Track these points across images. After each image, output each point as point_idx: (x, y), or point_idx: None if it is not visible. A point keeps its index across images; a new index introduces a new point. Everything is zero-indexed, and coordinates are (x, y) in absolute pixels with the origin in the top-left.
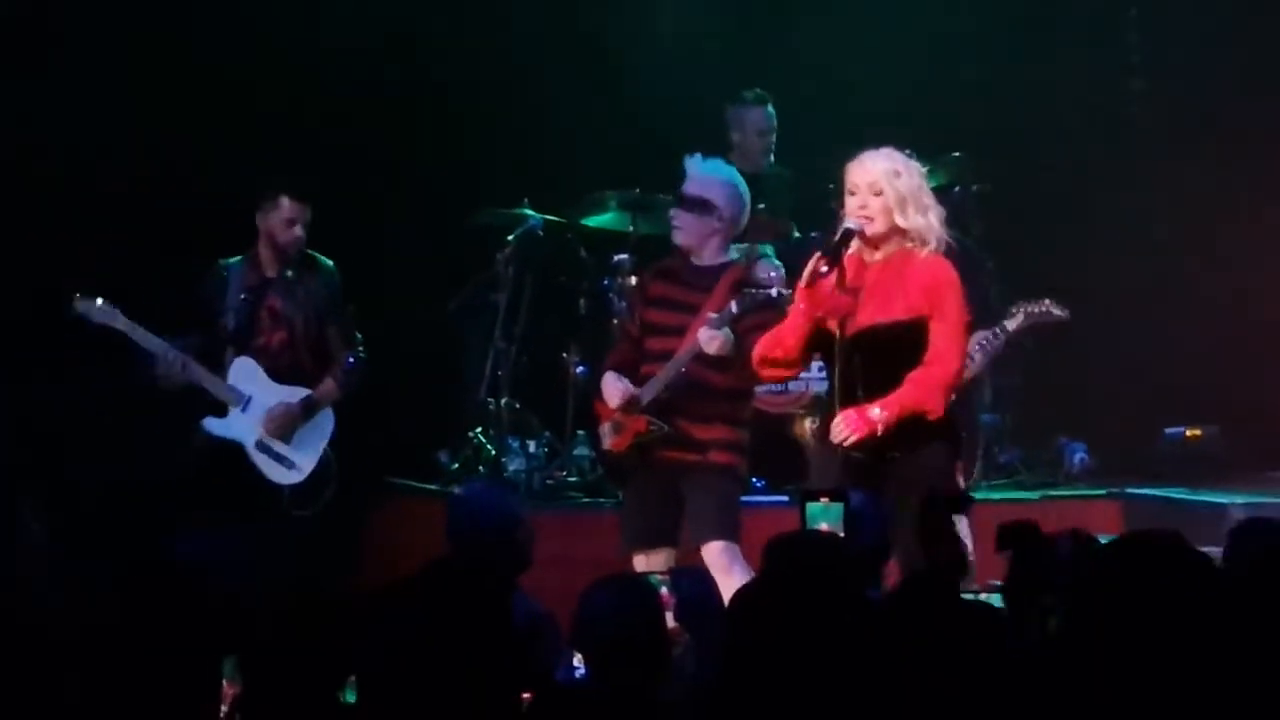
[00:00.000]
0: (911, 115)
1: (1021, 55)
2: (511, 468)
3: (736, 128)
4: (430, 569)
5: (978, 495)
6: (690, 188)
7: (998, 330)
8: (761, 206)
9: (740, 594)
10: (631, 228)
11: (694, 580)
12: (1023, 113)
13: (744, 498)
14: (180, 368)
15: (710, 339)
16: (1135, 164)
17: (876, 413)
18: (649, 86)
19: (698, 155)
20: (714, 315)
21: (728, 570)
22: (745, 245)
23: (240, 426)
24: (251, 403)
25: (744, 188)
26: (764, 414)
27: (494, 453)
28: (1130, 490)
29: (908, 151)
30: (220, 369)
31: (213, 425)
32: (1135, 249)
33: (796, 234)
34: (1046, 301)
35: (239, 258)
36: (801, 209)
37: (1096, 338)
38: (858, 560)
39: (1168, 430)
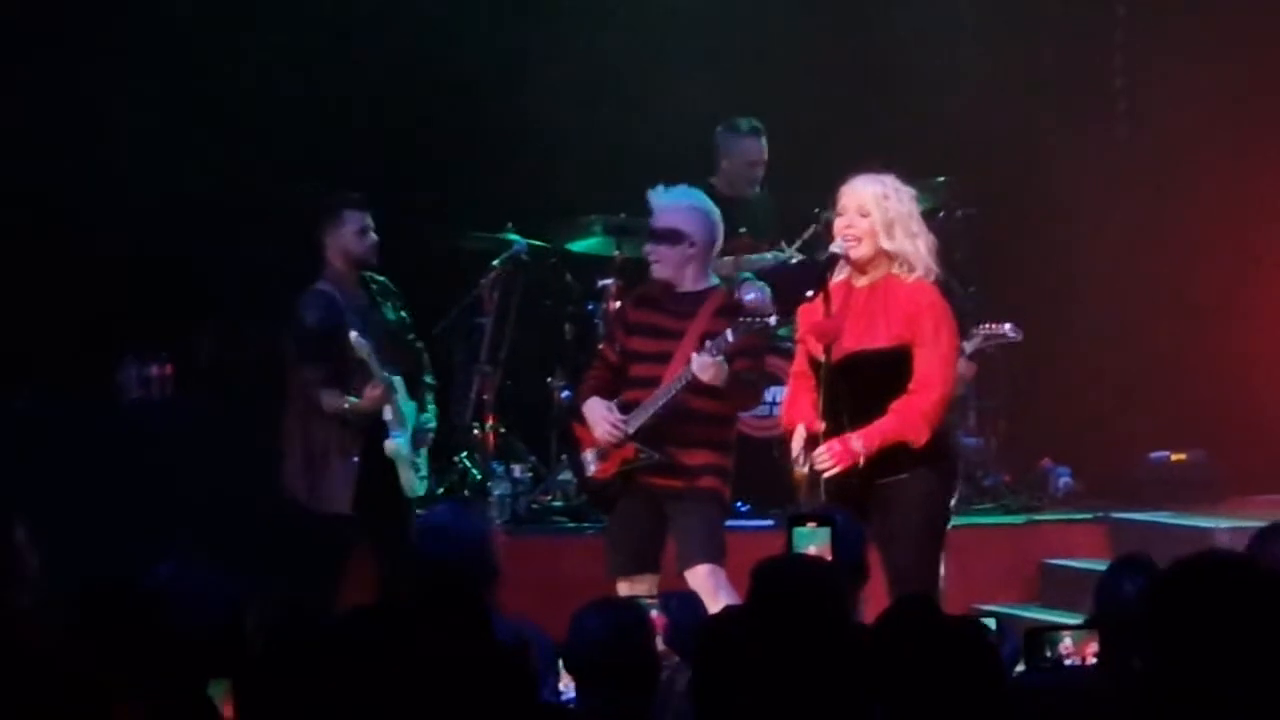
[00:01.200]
0: (898, 140)
1: (1006, 82)
2: (496, 492)
3: (726, 154)
4: (412, 590)
5: (961, 520)
6: (660, 221)
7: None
8: (744, 230)
9: (722, 619)
10: (617, 252)
11: (684, 604)
12: (1009, 138)
13: (729, 522)
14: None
15: (704, 367)
16: (1120, 188)
17: (858, 443)
18: (635, 110)
19: (659, 187)
20: (709, 343)
21: (714, 594)
22: (728, 260)
23: (405, 443)
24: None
25: (712, 209)
26: (748, 438)
27: (479, 477)
28: (1115, 514)
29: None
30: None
31: (391, 447)
32: (1121, 273)
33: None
34: (1006, 325)
35: (320, 286)
36: (784, 233)
37: (1081, 361)
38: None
39: (1152, 454)
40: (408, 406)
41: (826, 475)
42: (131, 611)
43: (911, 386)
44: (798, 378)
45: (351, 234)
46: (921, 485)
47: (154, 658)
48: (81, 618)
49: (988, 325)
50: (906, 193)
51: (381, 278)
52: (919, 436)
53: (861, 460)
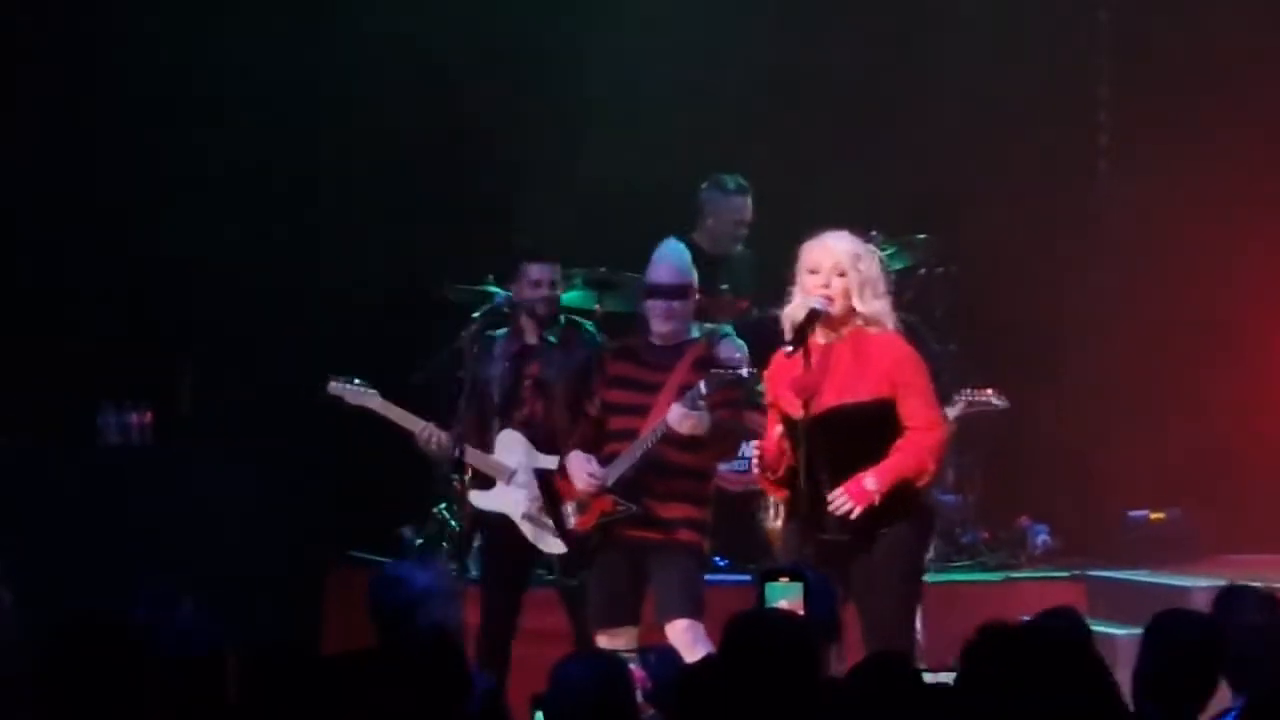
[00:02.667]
0: (879, 196)
1: (988, 139)
2: (476, 544)
3: (713, 212)
4: (390, 643)
5: (939, 577)
6: (674, 276)
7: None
8: (725, 287)
9: (697, 671)
10: (598, 305)
11: (663, 658)
12: (990, 195)
13: (708, 576)
14: (436, 444)
15: (682, 418)
16: (1100, 247)
17: (871, 482)
18: (616, 165)
19: (670, 240)
20: (686, 395)
21: (692, 648)
22: (708, 326)
23: (506, 499)
24: (516, 475)
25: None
26: (725, 492)
27: (458, 528)
28: (1092, 572)
29: (874, 234)
30: (490, 441)
31: (478, 499)
32: (1100, 331)
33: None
34: (989, 391)
35: (504, 330)
36: (764, 290)
37: (1060, 418)
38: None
39: (1131, 512)
40: (528, 461)
41: (848, 515)
42: (110, 650)
43: (913, 426)
44: (774, 447)
45: (528, 286)
46: (898, 538)
47: (132, 697)
48: (58, 655)
49: (971, 391)
50: (875, 252)
51: (589, 325)
52: (927, 471)
53: (877, 499)
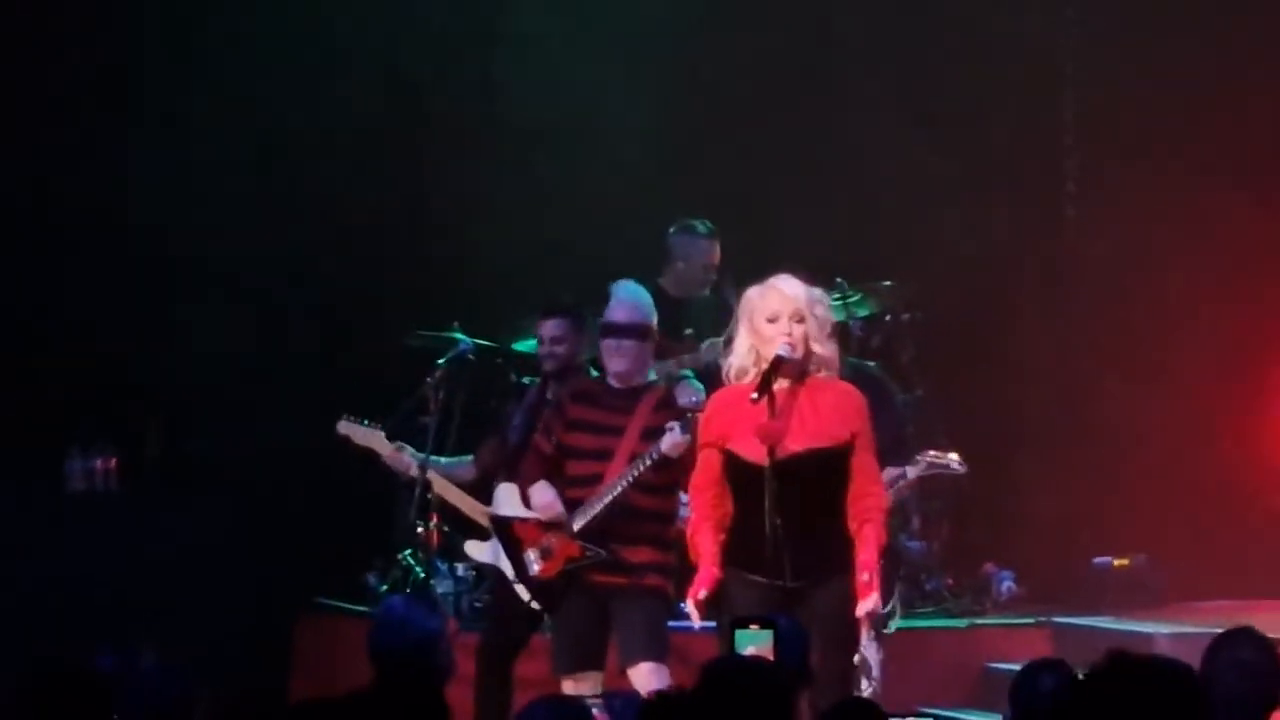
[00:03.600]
0: (844, 244)
1: (953, 186)
2: (440, 590)
3: (682, 256)
4: (369, 690)
5: (903, 624)
6: (630, 315)
7: (904, 473)
8: (689, 332)
9: (659, 705)
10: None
11: (628, 703)
12: (955, 242)
13: (672, 622)
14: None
15: (675, 445)
16: (1068, 292)
17: (867, 576)
18: (580, 212)
19: (627, 281)
20: (680, 421)
21: None
22: (665, 365)
23: (498, 551)
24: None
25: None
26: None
27: (423, 575)
28: (1057, 619)
29: (839, 281)
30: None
31: (472, 550)
32: (1066, 377)
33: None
34: (953, 455)
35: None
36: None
37: (1025, 465)
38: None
39: (1096, 559)
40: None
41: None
42: (77, 701)
43: (862, 490)
44: (704, 490)
45: (540, 341)
46: (846, 587)
47: None
48: (24, 705)
49: (933, 453)
50: (822, 297)
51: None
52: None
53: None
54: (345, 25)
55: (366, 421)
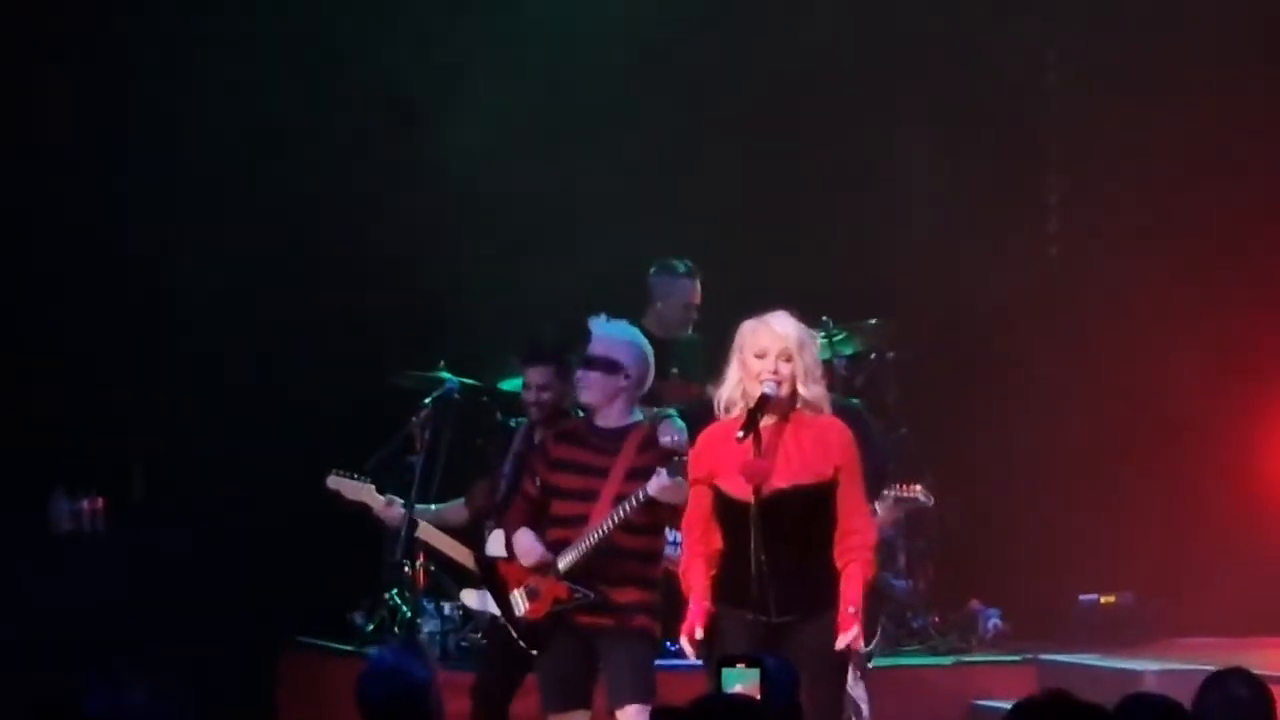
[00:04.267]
0: (828, 282)
1: (940, 219)
2: (426, 629)
3: (662, 296)
4: None
5: (890, 661)
6: (597, 348)
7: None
8: (675, 371)
9: None
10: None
11: None
12: (942, 281)
13: (659, 661)
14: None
15: (663, 489)
16: (1052, 329)
17: (853, 610)
18: (564, 252)
19: (602, 316)
20: (671, 464)
21: None
22: (653, 411)
23: (489, 599)
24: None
25: (649, 349)
26: (673, 574)
27: (409, 614)
28: (1044, 656)
29: (825, 319)
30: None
31: (468, 598)
32: (1052, 414)
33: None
34: (917, 487)
35: (522, 420)
36: (713, 374)
37: (1010, 502)
38: None
39: (1082, 596)
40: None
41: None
42: None
43: (853, 526)
44: (694, 526)
45: (528, 389)
46: (832, 623)
47: None
48: None
49: (900, 487)
50: (814, 337)
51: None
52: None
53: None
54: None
55: (356, 475)
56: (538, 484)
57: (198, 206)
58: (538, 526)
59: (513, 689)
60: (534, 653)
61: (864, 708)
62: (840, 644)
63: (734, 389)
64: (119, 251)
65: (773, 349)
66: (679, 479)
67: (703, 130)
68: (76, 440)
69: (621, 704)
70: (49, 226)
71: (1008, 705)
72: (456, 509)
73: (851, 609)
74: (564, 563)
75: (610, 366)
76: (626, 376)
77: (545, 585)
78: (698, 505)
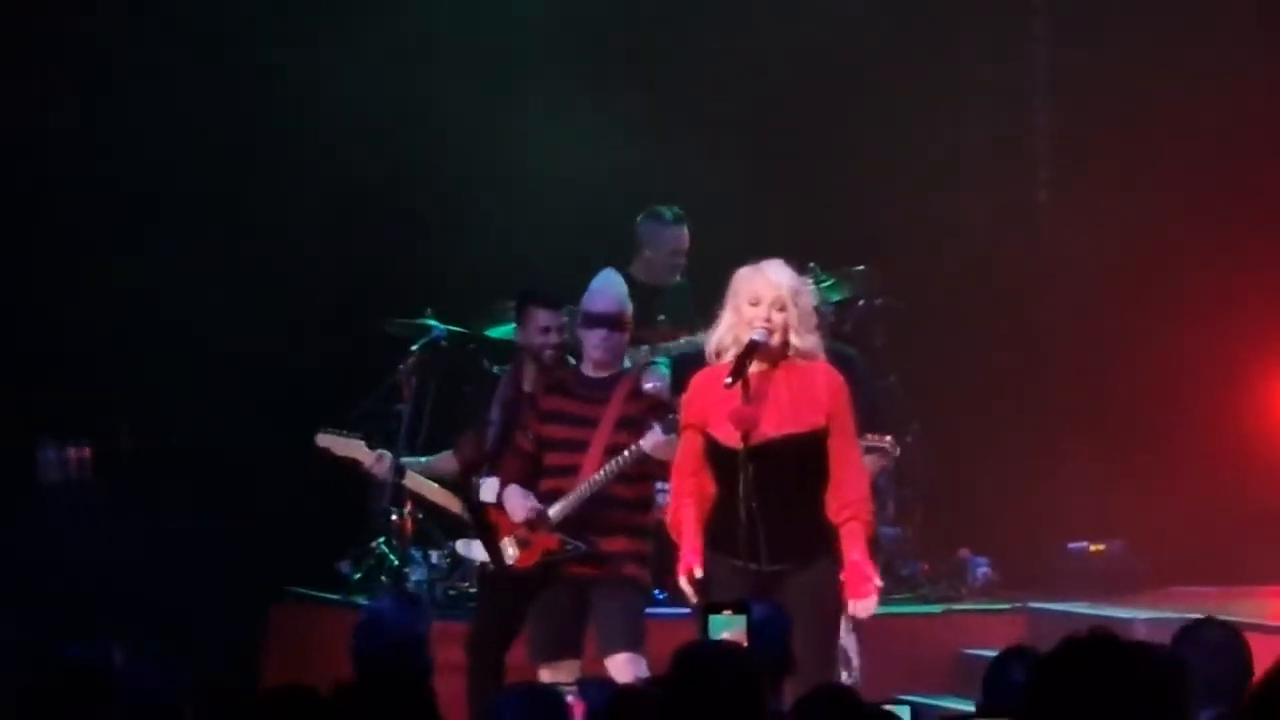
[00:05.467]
0: (816, 227)
1: (928, 165)
2: (414, 578)
3: (650, 244)
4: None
5: (879, 610)
6: (612, 306)
7: None
8: (662, 319)
9: (631, 696)
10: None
11: (603, 691)
12: (929, 225)
13: (649, 609)
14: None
15: (658, 446)
16: (1043, 278)
17: (871, 576)
18: (551, 198)
19: (609, 270)
20: (665, 420)
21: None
22: (642, 351)
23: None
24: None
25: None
26: (662, 524)
27: (396, 563)
28: (1033, 605)
29: (812, 265)
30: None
31: (461, 548)
32: (1039, 363)
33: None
34: (887, 439)
35: (507, 367)
36: (702, 320)
37: (1000, 450)
38: (762, 672)
39: (1071, 545)
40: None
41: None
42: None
43: (844, 478)
44: (685, 472)
45: (536, 331)
46: (832, 572)
47: None
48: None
49: (870, 436)
50: (809, 285)
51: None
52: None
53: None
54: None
55: (345, 432)
56: (531, 438)
57: (183, 159)
58: (532, 481)
59: (509, 639)
60: (522, 600)
61: (854, 659)
62: (861, 613)
63: (726, 334)
64: (106, 206)
65: (766, 296)
66: (673, 435)
67: (695, 78)
68: (63, 390)
69: (611, 652)
70: (34, 166)
71: (995, 656)
72: (446, 459)
73: (871, 579)
74: (554, 512)
75: (623, 323)
76: (626, 329)
77: (536, 535)
78: (689, 451)
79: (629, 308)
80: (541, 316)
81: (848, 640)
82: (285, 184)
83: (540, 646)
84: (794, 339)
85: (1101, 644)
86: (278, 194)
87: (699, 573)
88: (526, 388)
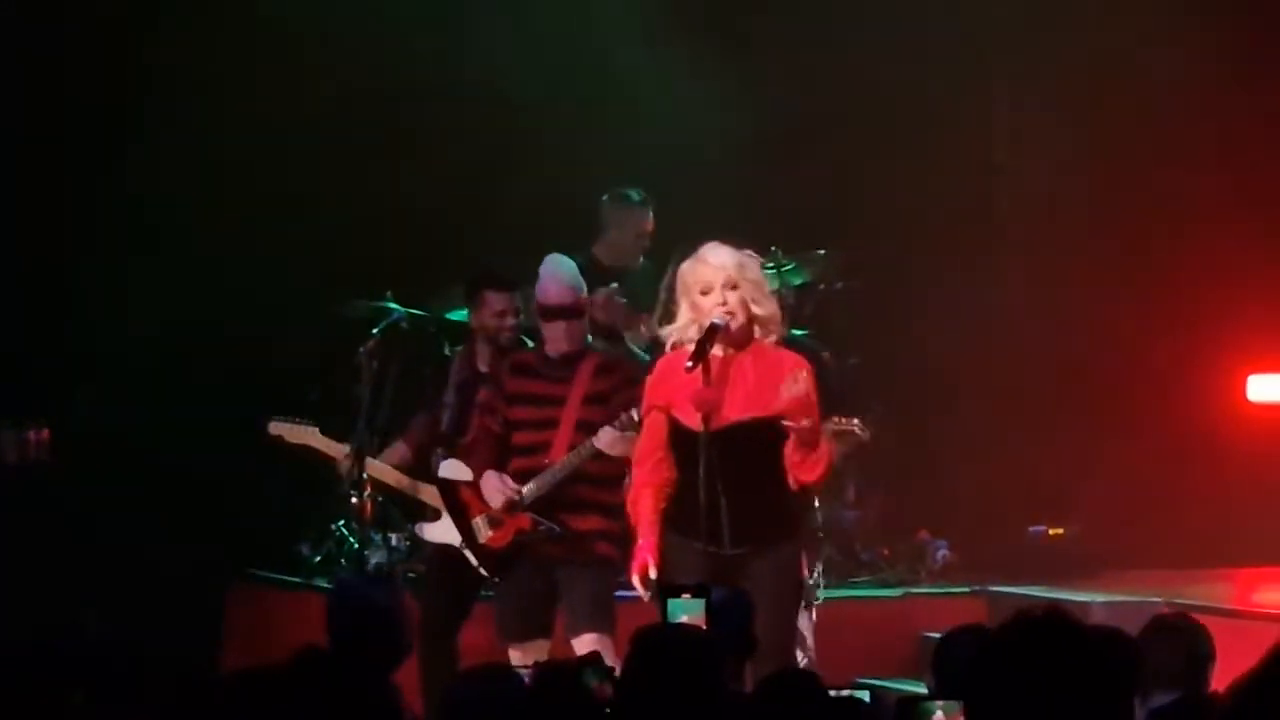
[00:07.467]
0: (775, 212)
1: (887, 149)
2: (374, 560)
3: (615, 225)
4: (307, 660)
5: (839, 593)
6: (562, 296)
7: None
8: (623, 301)
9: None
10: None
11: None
12: (888, 211)
13: (619, 592)
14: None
15: (613, 443)
16: (1000, 261)
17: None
18: (513, 181)
19: (556, 255)
20: (619, 419)
21: None
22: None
23: (448, 530)
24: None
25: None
26: None
27: (356, 545)
28: (992, 588)
29: (773, 249)
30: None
31: (423, 530)
32: (999, 346)
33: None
34: (855, 421)
35: (459, 349)
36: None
37: (959, 434)
38: (722, 655)
39: (1030, 528)
40: None
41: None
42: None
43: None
44: (646, 456)
45: (491, 315)
46: (790, 556)
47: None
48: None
49: (838, 419)
50: (752, 256)
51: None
52: (820, 476)
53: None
54: None
55: (299, 420)
56: (500, 421)
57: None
58: (503, 464)
59: (462, 618)
60: (486, 575)
61: (808, 639)
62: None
63: (686, 329)
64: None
65: (716, 281)
66: (629, 432)
67: (654, 57)
68: (18, 370)
69: (579, 633)
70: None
71: (941, 635)
72: (397, 450)
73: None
74: (526, 492)
75: (575, 311)
76: (584, 313)
77: (508, 515)
78: (652, 434)
79: (583, 290)
80: (495, 300)
81: (801, 621)
82: (242, 157)
83: (510, 627)
84: (755, 309)
85: (1049, 623)
86: (238, 171)
87: (653, 572)
88: (483, 368)
